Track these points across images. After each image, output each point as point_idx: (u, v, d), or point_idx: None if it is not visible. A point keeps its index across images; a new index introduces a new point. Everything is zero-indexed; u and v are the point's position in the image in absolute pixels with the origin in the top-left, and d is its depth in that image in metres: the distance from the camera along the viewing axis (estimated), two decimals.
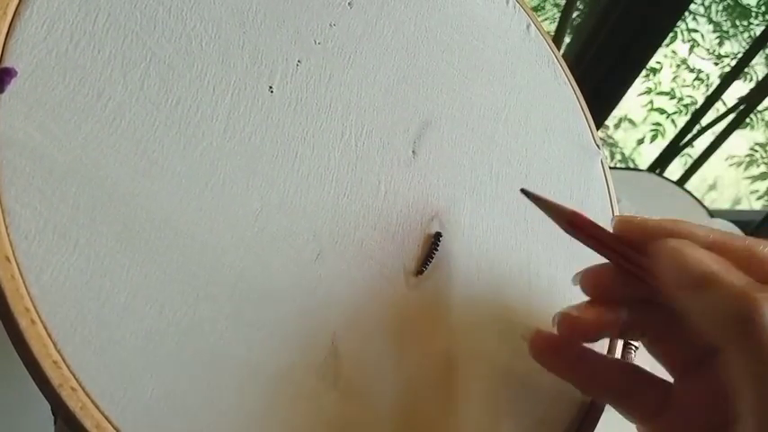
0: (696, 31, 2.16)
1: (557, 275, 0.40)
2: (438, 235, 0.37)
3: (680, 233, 0.32)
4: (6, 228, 0.26)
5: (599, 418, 0.38)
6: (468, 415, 0.35)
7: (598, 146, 0.45)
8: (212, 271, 0.30)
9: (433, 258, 0.36)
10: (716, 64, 2.21)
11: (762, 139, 2.29)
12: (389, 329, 0.34)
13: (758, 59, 2.06)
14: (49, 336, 0.26)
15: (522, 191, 0.35)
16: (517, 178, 0.41)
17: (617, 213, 0.44)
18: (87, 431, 0.26)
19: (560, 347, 0.35)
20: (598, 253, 0.33)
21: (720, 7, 2.16)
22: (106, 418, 0.27)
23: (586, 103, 0.46)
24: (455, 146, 0.39)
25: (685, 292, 0.30)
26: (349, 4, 0.37)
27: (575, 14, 1.37)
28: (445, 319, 0.36)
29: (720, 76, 2.10)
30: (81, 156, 0.28)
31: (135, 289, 0.28)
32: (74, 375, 0.26)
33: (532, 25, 0.45)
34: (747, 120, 1.95)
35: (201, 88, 0.32)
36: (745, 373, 0.27)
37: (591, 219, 0.33)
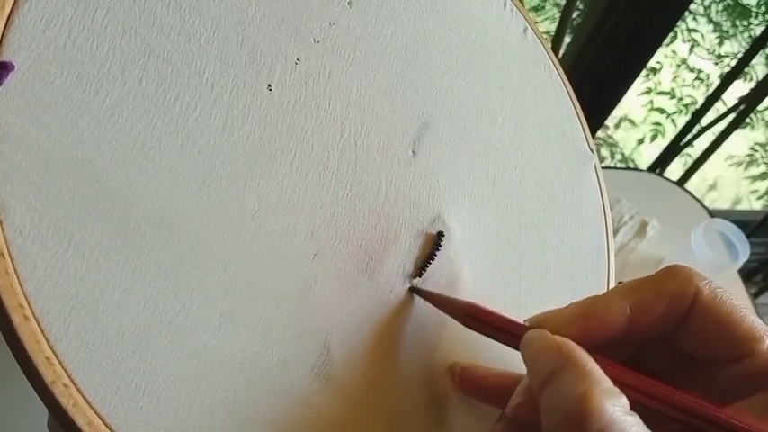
0: (696, 31, 2.16)
1: (547, 279, 0.40)
2: (440, 235, 0.37)
3: (541, 322, 0.30)
4: (0, 222, 0.26)
5: None
6: (460, 419, 0.35)
7: (592, 150, 0.45)
8: (207, 269, 0.30)
9: (434, 259, 0.36)
10: (716, 64, 2.21)
11: (762, 139, 2.29)
12: (384, 331, 0.34)
13: (758, 59, 2.06)
14: (43, 332, 0.26)
15: (411, 289, 0.35)
16: (512, 182, 0.41)
17: (609, 218, 0.44)
18: (79, 428, 0.26)
19: (488, 383, 0.34)
20: (502, 342, 0.32)
21: (720, 7, 2.16)
22: (98, 416, 0.27)
23: (586, 102, 0.46)
24: (453, 148, 0.39)
25: (537, 391, 0.28)
26: (348, 3, 0.37)
27: (575, 14, 1.37)
28: (440, 323, 0.36)
29: (720, 76, 2.10)
30: (77, 151, 0.28)
31: (129, 286, 0.28)
32: (66, 372, 0.26)
33: (529, 29, 0.45)
34: (747, 120, 1.95)
35: (200, 85, 0.32)
36: None
37: (488, 308, 0.32)
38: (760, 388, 0.28)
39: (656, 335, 0.31)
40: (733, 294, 0.30)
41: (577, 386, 0.26)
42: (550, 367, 0.27)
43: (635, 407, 0.26)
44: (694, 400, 0.28)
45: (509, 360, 0.34)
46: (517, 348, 0.30)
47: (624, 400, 0.26)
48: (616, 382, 0.26)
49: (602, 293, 0.31)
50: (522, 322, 0.31)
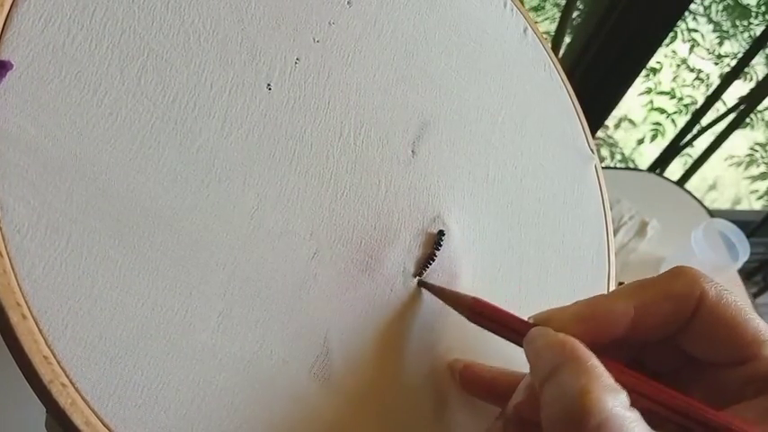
0: (696, 31, 2.16)
1: (548, 279, 0.40)
2: (441, 234, 0.36)
3: (545, 320, 0.30)
4: None
5: None
6: (458, 419, 0.35)
7: (592, 150, 0.45)
8: (206, 268, 0.30)
9: (434, 259, 0.36)
10: (716, 64, 2.21)
11: (762, 139, 2.29)
12: (384, 331, 0.34)
13: (758, 59, 2.06)
14: (41, 331, 0.26)
15: (420, 283, 0.35)
16: (512, 182, 0.41)
17: (610, 218, 0.44)
18: (77, 427, 0.26)
19: (489, 382, 0.34)
20: (506, 338, 0.32)
21: (720, 7, 2.15)
22: (96, 415, 0.27)
23: (586, 102, 0.46)
24: (453, 147, 0.39)
25: (539, 387, 0.27)
26: (348, 2, 0.37)
27: (575, 14, 1.37)
28: (440, 322, 0.36)
29: (720, 76, 2.10)
30: (75, 151, 0.28)
31: (127, 285, 0.28)
32: (64, 371, 0.26)
33: (529, 29, 0.45)
34: (747, 120, 1.95)
35: (199, 85, 0.32)
36: None
37: (493, 304, 0.32)
38: (762, 391, 0.28)
39: (660, 336, 0.30)
40: (738, 297, 0.30)
41: (577, 381, 0.26)
42: (553, 363, 0.27)
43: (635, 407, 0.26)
44: (693, 403, 0.28)
45: (509, 359, 0.34)
46: (520, 345, 0.30)
47: (624, 397, 0.26)
48: (617, 382, 0.26)
49: (606, 293, 0.31)
50: (526, 319, 0.31)
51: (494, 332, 0.32)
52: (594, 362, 0.27)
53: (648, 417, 0.26)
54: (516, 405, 0.31)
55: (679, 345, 0.31)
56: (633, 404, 0.26)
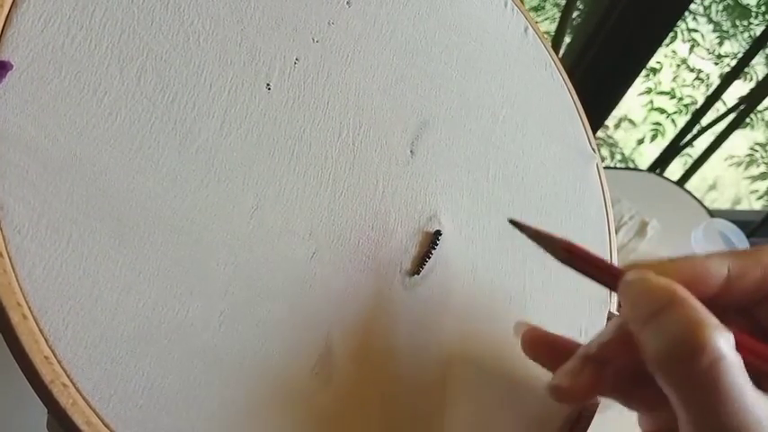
0: (696, 31, 2.16)
1: (550, 277, 0.40)
2: (437, 234, 0.36)
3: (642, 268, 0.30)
4: None
5: (592, 418, 0.37)
6: (460, 415, 0.35)
7: (594, 149, 0.45)
8: (206, 268, 0.30)
9: (430, 257, 0.36)
10: (716, 64, 2.21)
11: (762, 139, 2.29)
12: (384, 329, 0.34)
13: (758, 59, 2.06)
14: (41, 331, 0.26)
15: (511, 222, 0.34)
16: (513, 180, 0.41)
17: (611, 217, 0.44)
18: (78, 427, 0.26)
19: (553, 344, 0.34)
20: (597, 281, 0.32)
21: (720, 7, 2.15)
22: (97, 415, 0.27)
23: (587, 102, 0.46)
24: (453, 147, 0.39)
25: (638, 326, 0.28)
26: (347, 3, 0.37)
27: (575, 14, 1.37)
28: (439, 320, 0.36)
29: (720, 76, 2.10)
30: (75, 151, 0.28)
31: (128, 285, 0.28)
32: (65, 371, 0.26)
33: (530, 28, 0.45)
34: (747, 120, 1.95)
35: (198, 85, 0.32)
36: (687, 424, 0.26)
37: (585, 248, 0.32)
38: None
39: (742, 304, 0.31)
40: None
41: (690, 317, 0.26)
42: (658, 304, 0.27)
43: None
44: None
45: (507, 356, 0.34)
46: (612, 288, 0.31)
47: (732, 338, 0.26)
48: None
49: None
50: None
51: (586, 274, 0.32)
52: (701, 305, 0.27)
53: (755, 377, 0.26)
54: (601, 343, 0.31)
55: (757, 317, 0.31)
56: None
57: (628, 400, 0.34)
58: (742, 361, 0.26)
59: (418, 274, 0.35)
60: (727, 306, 0.31)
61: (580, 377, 0.31)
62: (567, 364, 0.32)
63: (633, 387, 0.27)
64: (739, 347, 0.27)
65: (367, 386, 0.33)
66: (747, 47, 1.62)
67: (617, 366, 0.30)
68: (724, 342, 0.25)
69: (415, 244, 0.36)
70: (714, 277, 0.30)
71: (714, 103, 1.59)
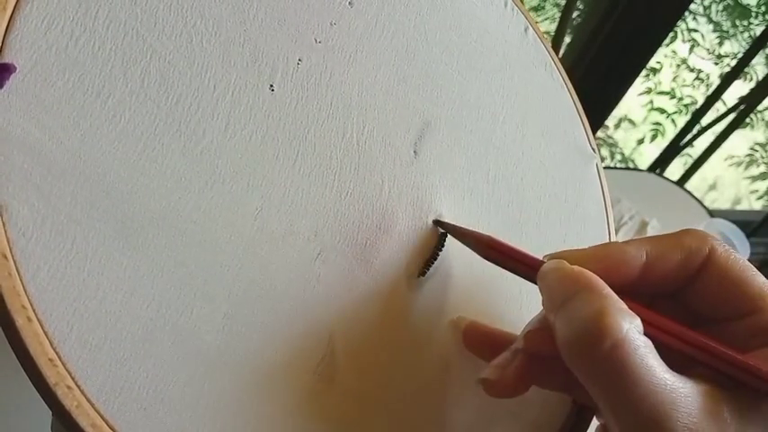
0: (696, 31, 2.15)
1: None
2: (444, 235, 0.36)
3: (560, 257, 0.30)
4: (3, 224, 0.26)
5: (591, 420, 0.38)
6: (461, 417, 0.35)
7: (593, 149, 0.45)
8: (210, 270, 0.30)
9: (437, 259, 0.36)
10: (716, 64, 2.21)
11: (762, 139, 2.29)
12: (387, 331, 0.34)
13: (758, 59, 2.06)
14: (46, 334, 0.26)
15: (435, 222, 0.35)
16: (513, 181, 0.41)
17: (611, 217, 0.44)
18: (83, 430, 0.26)
19: (493, 338, 0.35)
20: (522, 276, 0.32)
21: (720, 7, 2.15)
22: (102, 417, 0.27)
23: (587, 103, 0.46)
24: (454, 147, 0.39)
25: (552, 316, 0.28)
26: (349, 3, 0.37)
27: (575, 14, 1.37)
28: (442, 321, 0.36)
29: (720, 76, 2.10)
30: (79, 153, 0.28)
31: (132, 287, 0.28)
32: (70, 374, 0.26)
33: (530, 28, 0.45)
34: (747, 120, 1.95)
35: (202, 86, 0.32)
36: (603, 407, 0.26)
37: (508, 243, 0.32)
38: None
39: (668, 289, 0.31)
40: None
41: (594, 304, 0.26)
42: (568, 291, 0.27)
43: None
44: (709, 339, 0.28)
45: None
46: (533, 281, 0.31)
47: (638, 322, 0.26)
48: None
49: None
50: (539, 258, 0.32)
51: (507, 268, 0.32)
52: (609, 290, 0.27)
53: (672, 356, 0.26)
54: (527, 334, 0.31)
55: (685, 301, 0.31)
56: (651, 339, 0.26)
57: (570, 393, 0.34)
58: (651, 344, 0.26)
59: (424, 275, 0.35)
60: (655, 292, 0.32)
61: (507, 370, 0.31)
62: (497, 357, 0.32)
63: (571, 380, 0.27)
64: (661, 332, 0.28)
65: (371, 387, 0.33)
66: (747, 47, 1.62)
67: (548, 358, 0.30)
68: (627, 325, 0.25)
69: (421, 245, 0.36)
70: (631, 263, 0.30)
71: (714, 103, 1.59)
